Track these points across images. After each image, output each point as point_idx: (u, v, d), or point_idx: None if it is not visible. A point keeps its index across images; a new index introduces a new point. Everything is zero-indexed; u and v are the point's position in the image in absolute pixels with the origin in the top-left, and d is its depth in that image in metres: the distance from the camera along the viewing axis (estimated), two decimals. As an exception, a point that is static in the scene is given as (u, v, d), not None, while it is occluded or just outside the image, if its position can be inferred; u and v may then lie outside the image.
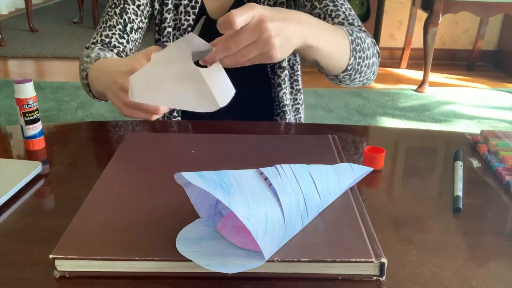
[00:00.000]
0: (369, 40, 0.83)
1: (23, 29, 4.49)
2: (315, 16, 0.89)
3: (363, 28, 0.89)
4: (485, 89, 3.22)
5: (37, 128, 0.76)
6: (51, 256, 0.47)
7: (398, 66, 3.66)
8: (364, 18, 3.66)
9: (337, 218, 0.54)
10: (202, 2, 0.96)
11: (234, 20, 0.56)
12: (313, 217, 0.54)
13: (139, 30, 1.00)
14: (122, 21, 0.96)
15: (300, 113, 1.08)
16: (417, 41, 3.54)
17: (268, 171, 0.51)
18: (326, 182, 0.55)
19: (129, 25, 0.96)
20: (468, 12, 2.95)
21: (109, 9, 0.97)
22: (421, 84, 3.13)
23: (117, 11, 0.96)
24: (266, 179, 0.50)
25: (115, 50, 0.96)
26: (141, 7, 0.98)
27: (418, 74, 3.43)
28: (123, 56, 0.97)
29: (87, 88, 0.86)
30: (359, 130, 0.88)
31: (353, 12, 0.91)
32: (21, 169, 0.67)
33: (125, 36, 0.97)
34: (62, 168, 0.70)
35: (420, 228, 0.57)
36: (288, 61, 1.03)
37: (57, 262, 0.48)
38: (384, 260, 0.47)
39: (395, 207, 0.62)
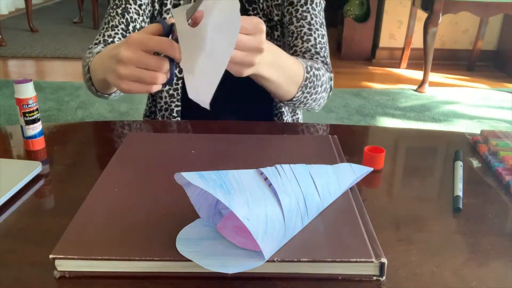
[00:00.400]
0: (325, 77, 0.89)
1: (23, 29, 4.49)
2: (288, 32, 0.97)
3: (327, 60, 0.96)
4: (485, 89, 3.22)
5: (37, 128, 0.76)
6: (51, 256, 0.47)
7: (398, 66, 3.66)
8: (364, 18, 3.66)
9: (337, 218, 0.54)
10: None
11: (263, 29, 0.62)
12: (313, 217, 0.54)
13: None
14: (124, 20, 0.95)
15: (297, 114, 1.08)
16: (417, 41, 3.54)
17: (268, 171, 0.51)
18: (326, 182, 0.55)
19: (131, 25, 0.96)
20: (468, 12, 2.95)
21: (111, 10, 0.97)
22: (421, 84, 3.13)
23: (119, 11, 0.95)
24: (266, 179, 0.50)
25: None
26: (143, 7, 0.97)
27: (418, 74, 3.43)
28: None
29: (89, 82, 0.84)
30: (359, 130, 0.88)
31: (324, 40, 0.96)
32: (21, 169, 0.67)
33: (127, 35, 0.95)
34: (62, 168, 0.70)
35: (420, 228, 0.57)
36: None
37: (57, 262, 0.48)
38: (384, 260, 0.47)
39: (395, 207, 0.62)
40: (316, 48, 0.94)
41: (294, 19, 0.95)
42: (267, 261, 0.46)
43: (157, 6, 0.98)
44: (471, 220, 0.59)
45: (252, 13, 0.96)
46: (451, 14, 3.04)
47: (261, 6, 0.97)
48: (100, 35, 0.96)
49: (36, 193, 0.64)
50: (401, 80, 3.37)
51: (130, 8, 0.96)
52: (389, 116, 2.71)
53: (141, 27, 0.98)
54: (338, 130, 0.85)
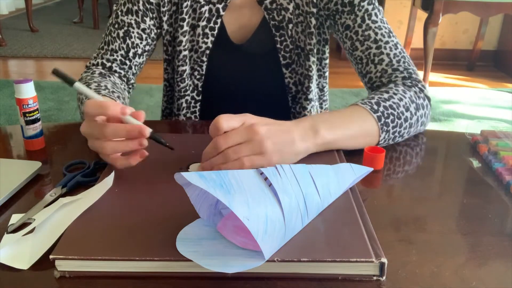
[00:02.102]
0: (408, 97, 0.78)
1: (23, 29, 4.49)
2: (356, 59, 0.87)
3: (410, 70, 0.84)
4: (485, 89, 3.22)
5: (37, 128, 0.76)
6: (51, 256, 0.47)
7: (398, 66, 3.65)
8: (364, 18, 3.65)
9: (337, 218, 0.54)
10: (222, 23, 0.91)
11: (221, 125, 0.60)
12: (313, 217, 0.54)
13: (144, 54, 0.93)
14: (125, 46, 0.90)
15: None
16: (417, 41, 3.54)
17: (268, 171, 0.51)
18: (326, 182, 0.55)
19: (132, 50, 0.90)
20: (468, 12, 2.95)
21: (112, 28, 0.90)
22: (421, 84, 3.12)
23: (120, 33, 0.89)
24: (266, 179, 0.50)
25: (116, 75, 0.91)
26: (147, 31, 0.91)
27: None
28: (124, 80, 0.92)
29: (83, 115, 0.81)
30: (359, 130, 0.88)
31: (399, 49, 0.85)
32: (21, 169, 0.67)
33: (127, 62, 0.91)
34: (62, 168, 0.70)
35: (420, 228, 0.57)
36: (318, 84, 0.99)
37: (57, 262, 0.47)
38: (384, 260, 0.47)
39: (395, 207, 0.62)
40: (392, 65, 0.84)
41: (358, 44, 0.86)
42: (267, 261, 0.46)
43: (165, 27, 0.92)
44: (471, 220, 0.59)
45: (279, 40, 0.90)
46: (451, 14, 3.04)
47: (289, 32, 0.90)
48: (98, 55, 0.92)
49: (36, 193, 0.64)
50: (401, 80, 3.36)
51: (133, 32, 0.89)
52: (389, 116, 2.71)
53: (144, 51, 0.92)
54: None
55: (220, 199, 0.44)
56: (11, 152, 0.76)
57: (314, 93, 0.97)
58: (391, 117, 0.75)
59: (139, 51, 0.91)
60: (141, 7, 0.89)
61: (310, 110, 0.97)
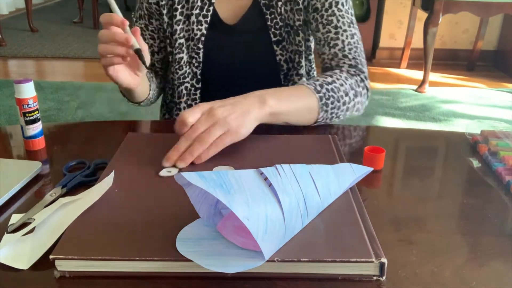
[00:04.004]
0: (348, 84, 0.85)
1: (23, 29, 4.49)
2: (316, 40, 0.94)
3: (358, 60, 0.91)
4: (485, 89, 3.22)
5: (37, 128, 0.76)
6: (51, 256, 0.47)
7: (398, 66, 3.66)
8: (364, 18, 3.66)
9: (337, 218, 0.54)
10: (214, 10, 0.94)
11: (186, 120, 0.68)
12: (313, 217, 0.54)
13: (162, 50, 1.01)
14: None
15: None
16: (417, 41, 3.54)
17: (268, 171, 0.51)
18: (326, 182, 0.55)
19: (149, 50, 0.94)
20: (468, 12, 2.95)
21: None
22: (421, 84, 3.12)
23: None
24: (266, 179, 0.50)
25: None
26: (155, 31, 0.98)
27: (418, 74, 3.43)
28: (153, 75, 1.00)
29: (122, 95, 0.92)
30: (359, 130, 0.88)
31: (355, 39, 0.91)
32: (21, 169, 0.67)
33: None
34: (62, 168, 0.70)
35: (420, 228, 0.57)
36: (304, 67, 1.02)
37: (57, 262, 0.48)
38: (384, 260, 0.47)
39: (395, 207, 0.62)
40: (344, 51, 0.90)
41: (320, 26, 0.92)
42: (267, 261, 0.46)
43: (166, 19, 0.96)
44: (471, 220, 0.59)
45: (270, 17, 0.94)
46: (451, 14, 3.04)
47: (279, 10, 0.94)
48: None
49: (36, 193, 0.64)
50: (401, 80, 3.37)
51: (145, 35, 0.98)
52: (389, 116, 2.71)
53: (161, 48, 1.00)
54: (338, 130, 0.85)
55: (220, 199, 0.44)
56: (11, 152, 0.76)
57: (304, 69, 1.00)
58: (331, 98, 0.82)
59: (155, 49, 1.00)
60: (145, 11, 0.97)
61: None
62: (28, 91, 0.74)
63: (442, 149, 0.81)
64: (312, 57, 1.05)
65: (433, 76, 3.38)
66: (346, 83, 0.85)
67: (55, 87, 3.01)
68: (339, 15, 0.91)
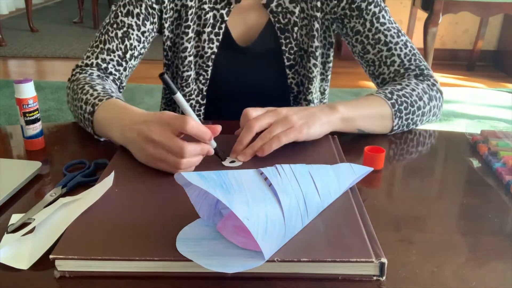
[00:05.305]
0: (420, 88, 0.83)
1: (23, 29, 4.48)
2: (368, 62, 0.91)
3: (422, 66, 0.88)
4: (485, 89, 3.22)
5: (37, 128, 0.76)
6: (51, 256, 0.47)
7: (398, 66, 3.65)
8: (364, 18, 3.65)
9: (337, 218, 0.54)
10: (226, 28, 0.91)
11: (251, 114, 0.70)
12: (313, 217, 0.54)
13: (139, 57, 0.92)
14: (123, 47, 0.88)
15: None
16: (417, 41, 3.53)
17: (268, 171, 0.51)
18: (326, 182, 0.55)
19: (129, 52, 0.88)
20: (468, 12, 2.95)
21: (110, 28, 0.88)
22: (421, 84, 3.12)
23: (119, 34, 0.87)
24: (266, 179, 0.50)
25: (111, 77, 0.88)
26: (146, 34, 0.90)
27: (418, 74, 3.42)
28: (117, 84, 0.90)
29: (88, 123, 0.77)
30: (359, 130, 0.88)
31: (409, 48, 0.88)
32: (21, 169, 0.67)
33: (123, 63, 0.89)
34: (62, 168, 0.70)
35: (420, 228, 0.57)
36: (320, 87, 1.00)
37: (57, 262, 0.48)
38: (384, 260, 0.47)
39: (395, 207, 0.62)
40: (404, 65, 0.88)
41: (369, 47, 0.89)
42: (267, 261, 0.46)
43: (166, 33, 0.92)
44: (471, 220, 0.59)
45: (284, 42, 0.92)
46: (451, 14, 3.04)
47: (294, 35, 0.91)
48: (93, 54, 0.87)
49: (36, 193, 0.64)
50: (401, 80, 3.36)
51: (132, 34, 0.88)
52: (389, 116, 2.71)
53: (140, 54, 0.91)
54: (338, 130, 0.85)
55: (220, 199, 0.44)
56: (11, 152, 0.76)
57: (314, 95, 0.98)
58: (404, 104, 0.80)
59: (136, 53, 0.90)
60: (143, 11, 0.88)
61: None
62: (28, 91, 0.74)
63: (442, 149, 0.81)
64: (329, 77, 1.03)
65: (433, 76, 3.38)
66: (417, 88, 0.83)
67: (55, 87, 3.01)
68: (385, 29, 0.88)
